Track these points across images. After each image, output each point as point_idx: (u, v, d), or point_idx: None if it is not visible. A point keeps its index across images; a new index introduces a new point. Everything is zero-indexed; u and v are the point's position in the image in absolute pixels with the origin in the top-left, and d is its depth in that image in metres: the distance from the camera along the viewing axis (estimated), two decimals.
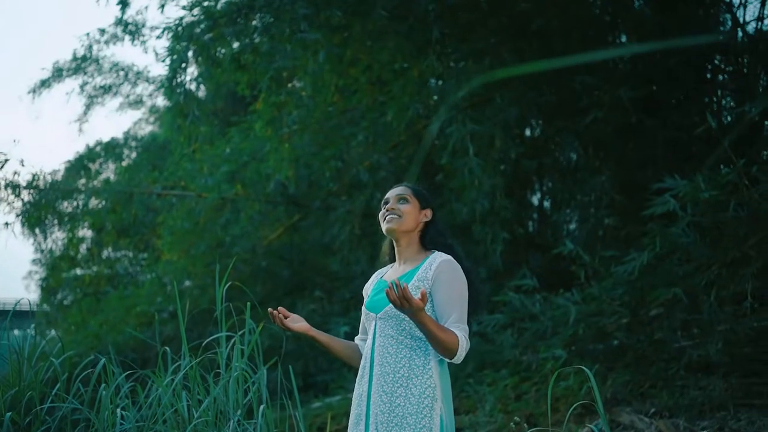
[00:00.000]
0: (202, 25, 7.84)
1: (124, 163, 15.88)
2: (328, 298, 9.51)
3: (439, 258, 2.56)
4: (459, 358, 2.41)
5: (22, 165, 8.86)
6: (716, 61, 8.18)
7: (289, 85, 8.05)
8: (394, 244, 2.69)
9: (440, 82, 8.48)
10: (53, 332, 15.36)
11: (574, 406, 3.16)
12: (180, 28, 7.83)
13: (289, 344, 9.52)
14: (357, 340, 2.80)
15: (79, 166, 15.18)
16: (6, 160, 8.88)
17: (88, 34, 12.87)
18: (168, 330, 8.74)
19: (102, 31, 13.06)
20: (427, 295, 2.37)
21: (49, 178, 9.72)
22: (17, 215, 9.61)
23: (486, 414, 6.36)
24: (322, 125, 9.08)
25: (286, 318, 2.63)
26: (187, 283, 9.97)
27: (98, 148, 15.77)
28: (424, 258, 2.60)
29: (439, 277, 2.50)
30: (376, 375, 2.50)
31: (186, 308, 3.73)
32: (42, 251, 15.54)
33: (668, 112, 7.90)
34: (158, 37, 7.88)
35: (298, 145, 8.52)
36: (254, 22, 7.80)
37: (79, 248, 15.34)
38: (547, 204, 9.75)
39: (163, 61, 7.71)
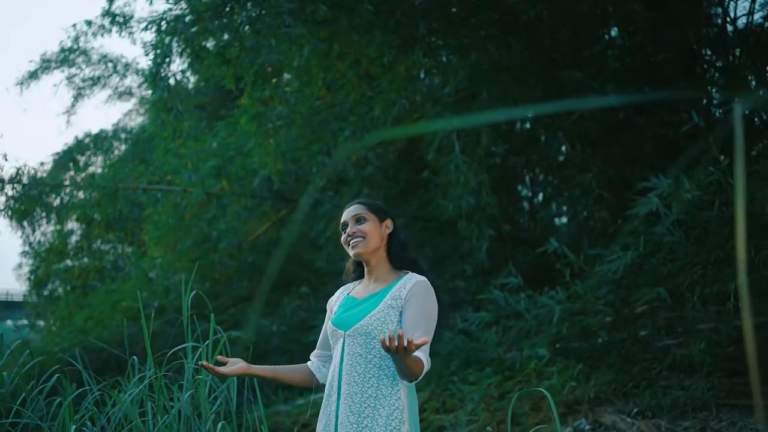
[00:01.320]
0: (187, 19, 7.75)
1: (113, 156, 15.79)
2: (314, 294, 9.46)
3: (414, 278, 2.53)
4: (418, 379, 2.39)
5: (5, 159, 8.77)
6: (706, 57, 8.12)
7: (275, 80, 7.96)
8: (364, 264, 2.64)
9: (426, 78, 8.40)
10: (41, 324, 15.33)
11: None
12: (164, 22, 7.73)
13: (277, 340, 9.48)
14: (313, 356, 2.73)
15: (68, 158, 15.09)
16: None
17: (75, 25, 12.73)
18: (153, 326, 8.65)
19: (89, 23, 12.96)
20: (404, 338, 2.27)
21: (33, 172, 9.62)
22: (6, 209, 9.52)
23: (468, 413, 6.33)
24: (309, 120, 9.01)
25: (219, 367, 2.50)
26: (174, 277, 9.89)
27: (87, 140, 15.65)
28: (398, 278, 2.57)
29: (412, 297, 2.47)
30: (343, 395, 2.45)
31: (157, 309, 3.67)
32: (30, 243, 15.48)
33: (657, 108, 7.85)
34: (143, 30, 7.75)
35: (285, 139, 8.45)
36: (239, 17, 7.71)
37: (68, 241, 15.29)
38: (535, 201, 9.70)
39: (147, 54, 7.62)
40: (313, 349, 2.78)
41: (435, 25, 8.21)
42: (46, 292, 16.16)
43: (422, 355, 2.35)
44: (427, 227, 9.22)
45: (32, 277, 15.46)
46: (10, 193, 9.25)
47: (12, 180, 9.05)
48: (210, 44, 8.28)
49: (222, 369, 2.50)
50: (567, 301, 6.45)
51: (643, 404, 5.70)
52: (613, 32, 8.68)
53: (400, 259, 2.61)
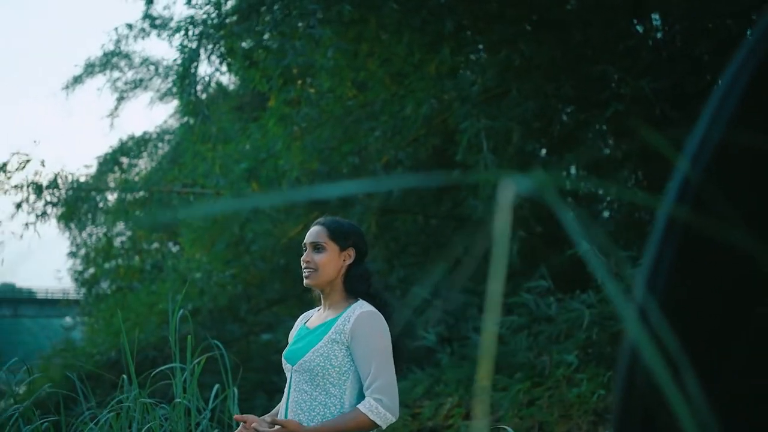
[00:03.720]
0: (214, 23, 7.76)
1: (156, 158, 16.02)
2: None
3: (358, 309, 2.39)
4: (385, 421, 2.27)
5: (43, 165, 8.95)
6: None
7: (299, 81, 7.92)
8: (320, 290, 2.52)
9: (456, 76, 8.25)
10: (86, 323, 15.67)
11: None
12: (191, 26, 7.76)
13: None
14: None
15: (112, 161, 15.35)
16: (27, 161, 8.99)
17: (116, 29, 12.93)
18: (185, 328, 8.73)
19: (130, 26, 13.15)
20: None
21: (72, 176, 9.80)
22: (41, 214, 9.71)
23: (496, 420, 6.18)
24: (341, 120, 8.95)
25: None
26: (210, 280, 9.96)
27: (130, 143, 15.91)
28: (346, 307, 2.43)
29: (356, 331, 2.34)
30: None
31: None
32: (77, 245, 15.82)
33: (695, 103, 7.55)
34: (170, 36, 7.80)
35: (313, 141, 8.40)
36: (265, 19, 7.69)
37: (114, 242, 15.58)
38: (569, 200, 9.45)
39: (174, 60, 7.66)
40: None
41: (464, 21, 8.06)
42: (93, 292, 16.52)
43: (363, 404, 2.25)
44: (460, 228, 9.08)
45: (79, 278, 15.80)
46: (49, 198, 9.44)
47: (50, 185, 9.23)
48: (238, 47, 8.29)
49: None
50: (598, 305, 6.25)
51: None
52: (650, 23, 8.38)
53: (355, 290, 2.47)
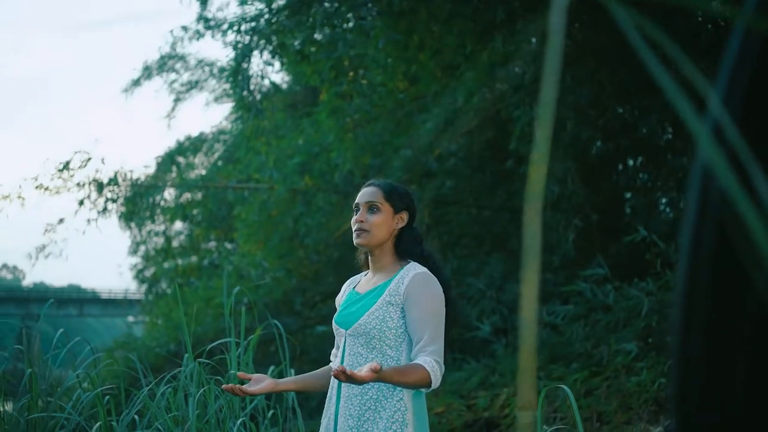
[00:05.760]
0: (265, 18, 7.86)
1: (213, 158, 16.33)
2: None
3: (412, 271, 2.34)
4: (435, 384, 2.24)
5: (103, 163, 9.21)
6: None
7: (351, 74, 7.95)
8: (369, 253, 2.46)
9: (507, 65, 8.17)
10: (146, 321, 16.05)
11: None
12: (244, 23, 7.87)
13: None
14: (332, 356, 2.62)
15: (169, 161, 15.69)
16: (89, 159, 9.25)
17: (171, 31, 13.20)
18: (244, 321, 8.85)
19: (185, 29, 13.41)
20: (378, 366, 2.16)
21: (131, 174, 10.06)
22: (103, 210, 9.97)
23: (553, 410, 6.09)
24: (393, 113, 8.96)
25: (243, 386, 2.37)
26: (265, 274, 10.09)
27: (186, 144, 16.24)
28: (398, 269, 2.38)
29: (411, 293, 2.29)
30: (343, 396, 2.32)
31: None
32: (137, 243, 16.22)
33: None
34: (224, 33, 7.92)
35: (366, 135, 8.43)
36: (316, 13, 7.75)
37: (173, 240, 15.93)
38: (627, 187, 9.27)
39: (227, 57, 7.79)
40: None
41: (517, 4, 7.96)
42: (153, 290, 16.92)
43: (427, 357, 2.22)
44: (514, 219, 8.98)
45: (139, 276, 16.19)
46: (109, 195, 9.70)
47: (110, 182, 9.48)
48: (290, 42, 8.37)
49: (246, 388, 2.36)
50: (658, 293, 6.10)
51: None
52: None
53: (408, 253, 2.41)
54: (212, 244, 16.44)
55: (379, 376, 2.08)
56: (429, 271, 2.34)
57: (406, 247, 2.41)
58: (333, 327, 2.48)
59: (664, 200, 9.11)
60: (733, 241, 0.54)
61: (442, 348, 2.26)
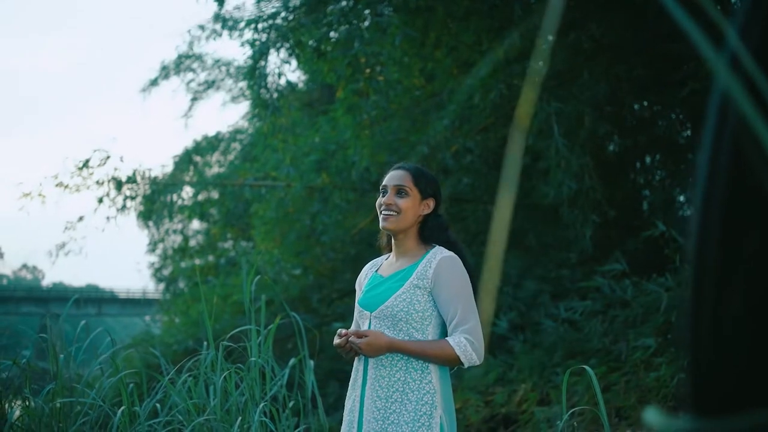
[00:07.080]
0: (282, 15, 7.89)
1: (230, 157, 16.40)
2: None
3: (439, 255, 2.36)
4: (470, 361, 2.23)
5: (121, 161, 9.28)
6: None
7: (367, 71, 7.97)
8: (392, 236, 2.48)
9: (524, 61, 8.15)
10: (164, 319, 16.15)
11: None
12: (260, 20, 7.91)
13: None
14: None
15: (187, 160, 15.78)
16: (107, 157, 9.34)
17: (189, 30, 13.28)
18: (256, 318, 8.89)
19: (201, 28, 13.49)
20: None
21: (149, 174, 10.14)
22: (121, 208, 10.05)
23: (571, 406, 6.07)
24: (409, 111, 8.95)
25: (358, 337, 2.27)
26: (282, 271, 10.13)
27: (204, 143, 16.32)
28: (424, 253, 2.40)
29: (439, 276, 2.31)
30: (370, 379, 2.32)
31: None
32: (155, 242, 16.33)
33: None
34: (241, 31, 7.96)
35: (382, 132, 8.44)
36: (332, 10, 7.77)
37: (190, 239, 16.02)
38: (644, 183, 9.22)
39: (245, 54, 7.83)
40: None
41: (534, 4, 7.95)
42: (171, 289, 17.03)
43: (457, 336, 2.22)
44: (531, 215, 8.96)
45: (157, 274, 16.29)
46: (128, 193, 9.78)
47: (129, 180, 9.56)
48: (306, 39, 8.40)
49: (362, 331, 2.28)
50: (677, 288, 6.06)
51: None
52: None
53: (434, 238, 2.42)
54: (229, 243, 16.55)
55: (396, 346, 2.12)
56: (455, 255, 2.35)
57: (431, 233, 2.42)
58: (355, 309, 2.48)
59: (682, 198, 9.05)
60: (750, 164, 0.55)
61: (477, 325, 2.25)
